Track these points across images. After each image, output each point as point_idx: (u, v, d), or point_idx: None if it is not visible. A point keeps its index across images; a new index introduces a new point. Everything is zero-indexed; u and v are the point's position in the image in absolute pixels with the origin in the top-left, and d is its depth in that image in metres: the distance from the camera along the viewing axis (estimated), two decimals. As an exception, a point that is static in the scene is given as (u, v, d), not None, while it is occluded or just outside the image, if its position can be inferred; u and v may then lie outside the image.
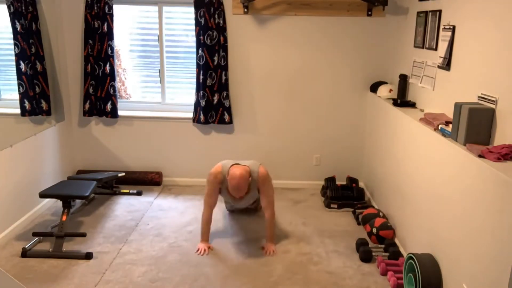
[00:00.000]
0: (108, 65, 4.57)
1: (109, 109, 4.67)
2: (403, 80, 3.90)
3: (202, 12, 4.40)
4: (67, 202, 3.57)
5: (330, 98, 4.69)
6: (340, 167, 4.88)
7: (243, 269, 3.29)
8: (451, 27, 3.06)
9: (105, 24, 4.48)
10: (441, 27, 3.25)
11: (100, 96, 4.66)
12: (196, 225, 3.93)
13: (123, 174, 4.65)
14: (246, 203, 3.72)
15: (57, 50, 4.45)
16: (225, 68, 4.53)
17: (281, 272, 3.26)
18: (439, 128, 2.89)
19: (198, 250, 3.50)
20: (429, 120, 3.08)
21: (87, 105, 4.68)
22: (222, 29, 4.45)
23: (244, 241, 3.70)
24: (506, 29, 2.41)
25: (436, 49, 3.34)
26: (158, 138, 4.84)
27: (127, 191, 4.61)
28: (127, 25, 4.73)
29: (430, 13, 3.46)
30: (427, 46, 3.52)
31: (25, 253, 3.38)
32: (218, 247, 3.60)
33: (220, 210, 4.21)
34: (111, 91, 4.64)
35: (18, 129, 3.82)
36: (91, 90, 4.65)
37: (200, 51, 4.49)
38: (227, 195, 3.61)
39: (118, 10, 4.65)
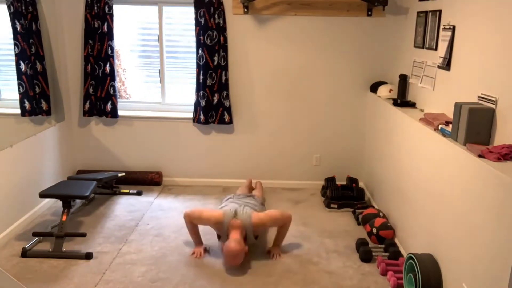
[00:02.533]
0: (108, 65, 4.57)
1: (109, 109, 4.67)
2: (403, 80, 3.90)
3: (202, 12, 4.40)
4: (67, 202, 3.57)
5: (330, 98, 4.69)
6: (340, 167, 4.88)
7: (243, 269, 3.29)
8: (451, 27, 3.06)
9: (105, 24, 4.48)
10: (441, 27, 3.25)
11: (100, 96, 4.66)
12: (196, 225, 3.93)
13: (123, 174, 4.65)
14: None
15: (57, 50, 4.45)
16: (225, 68, 4.53)
17: (281, 272, 3.26)
18: (439, 128, 2.89)
19: (193, 253, 3.47)
20: (429, 120, 3.08)
21: (87, 105, 4.68)
22: (222, 29, 4.45)
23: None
24: (506, 29, 2.41)
25: (436, 49, 3.34)
26: (158, 138, 4.84)
27: (127, 191, 4.61)
28: (127, 25, 4.73)
29: (430, 13, 3.46)
30: (427, 46, 3.52)
31: (25, 253, 3.38)
32: (218, 247, 3.60)
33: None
34: (111, 91, 4.64)
35: (18, 129, 3.82)
36: (91, 90, 4.65)
37: (200, 51, 4.49)
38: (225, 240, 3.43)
39: (118, 10, 4.65)
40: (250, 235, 3.37)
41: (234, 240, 3.21)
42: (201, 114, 4.62)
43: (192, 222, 3.47)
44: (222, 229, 3.36)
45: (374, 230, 3.63)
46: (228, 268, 3.29)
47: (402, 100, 3.87)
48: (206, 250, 3.52)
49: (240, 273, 3.23)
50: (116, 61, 4.71)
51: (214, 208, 3.72)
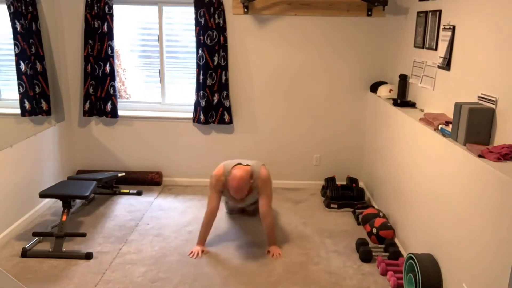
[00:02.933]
0: (108, 65, 4.57)
1: (109, 109, 4.67)
2: (403, 80, 3.90)
3: (202, 12, 4.40)
4: (67, 202, 3.57)
5: (330, 98, 4.69)
6: (340, 167, 4.88)
7: (243, 269, 3.29)
8: (451, 27, 3.06)
9: (105, 24, 4.48)
10: (441, 27, 3.25)
11: (100, 96, 4.66)
12: (196, 225, 3.92)
13: (123, 174, 4.65)
14: (246, 203, 3.72)
15: (57, 50, 4.45)
16: (225, 68, 4.53)
17: (281, 272, 3.26)
18: (439, 128, 2.89)
19: (191, 253, 3.46)
20: (429, 120, 3.08)
21: (87, 105, 4.68)
22: (222, 29, 4.45)
23: (244, 242, 3.70)
24: (506, 29, 2.41)
25: (436, 49, 3.34)
26: (158, 138, 4.84)
27: (127, 191, 4.61)
28: (127, 25, 4.73)
29: (430, 13, 3.46)
30: (427, 46, 3.52)
31: (25, 253, 3.38)
32: (218, 247, 3.60)
33: (219, 211, 4.21)
34: (111, 91, 4.64)
35: (18, 129, 3.82)
36: (91, 90, 4.65)
37: (200, 51, 4.49)
38: (228, 195, 3.61)
39: (118, 10, 4.65)
40: (256, 186, 3.48)
41: (239, 168, 3.36)
42: (201, 114, 4.62)
43: (214, 210, 3.49)
44: (225, 183, 3.47)
45: (374, 230, 3.63)
46: (234, 200, 3.55)
47: (402, 100, 3.87)
48: (203, 252, 3.50)
49: (240, 273, 3.23)
50: (116, 61, 4.71)
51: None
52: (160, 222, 4.02)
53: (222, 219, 4.09)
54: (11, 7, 3.68)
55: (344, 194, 4.36)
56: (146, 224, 3.97)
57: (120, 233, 3.79)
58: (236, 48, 4.58)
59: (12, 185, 3.72)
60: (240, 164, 3.50)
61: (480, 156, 2.32)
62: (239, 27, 4.52)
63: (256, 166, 3.52)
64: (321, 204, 4.48)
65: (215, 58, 4.50)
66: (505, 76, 2.41)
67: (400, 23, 4.27)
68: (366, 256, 3.39)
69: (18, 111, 3.86)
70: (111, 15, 4.47)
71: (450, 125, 2.77)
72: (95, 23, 4.48)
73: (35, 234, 3.55)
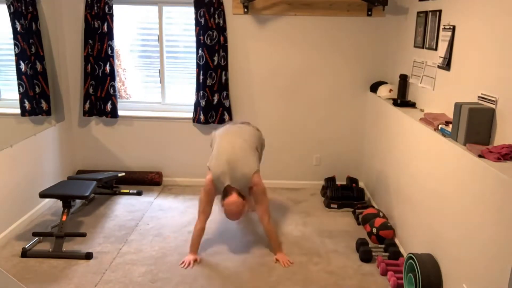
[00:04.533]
0: (108, 65, 4.57)
1: (109, 109, 4.67)
2: (403, 80, 3.90)
3: (202, 12, 4.40)
4: (67, 202, 3.57)
5: (330, 98, 4.69)
6: (340, 167, 4.88)
7: (243, 269, 3.29)
8: (451, 27, 3.06)
9: (105, 24, 4.48)
10: (441, 27, 3.25)
11: (100, 96, 4.66)
12: (196, 225, 3.93)
13: (123, 174, 4.65)
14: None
15: (57, 50, 4.45)
16: (225, 68, 4.53)
17: (281, 272, 3.26)
18: (439, 128, 2.89)
19: (183, 263, 3.32)
20: (429, 120, 3.08)
21: (87, 105, 4.68)
22: (222, 29, 4.45)
23: (244, 242, 3.70)
24: (506, 29, 2.41)
25: (436, 49, 3.34)
26: (158, 138, 4.84)
27: (127, 191, 4.61)
28: (127, 25, 4.73)
29: (430, 13, 3.46)
30: (427, 46, 3.52)
31: (25, 253, 3.38)
32: (218, 247, 3.60)
33: (219, 211, 4.21)
34: (111, 91, 4.64)
35: (18, 129, 3.82)
36: (91, 90, 4.66)
37: (200, 51, 4.49)
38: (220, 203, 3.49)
39: (118, 10, 4.64)
40: (246, 191, 3.41)
41: (234, 202, 3.24)
42: (201, 114, 4.62)
43: (206, 217, 3.42)
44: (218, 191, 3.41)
45: (374, 230, 3.63)
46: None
47: (402, 100, 3.87)
48: (196, 262, 3.36)
49: (240, 273, 3.23)
50: (116, 61, 4.71)
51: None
52: (160, 222, 4.02)
53: (222, 219, 4.08)
54: (11, 7, 3.68)
55: (344, 194, 4.36)
56: (146, 224, 3.97)
57: (120, 233, 3.79)
58: (236, 48, 4.58)
59: (12, 185, 3.72)
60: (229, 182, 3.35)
61: (480, 156, 2.32)
62: (239, 27, 4.52)
63: (249, 170, 3.35)
64: (321, 204, 4.48)
65: (215, 58, 4.50)
66: (505, 76, 2.41)
67: (400, 23, 4.27)
68: (366, 256, 3.39)
69: (18, 111, 3.86)
70: (111, 15, 4.47)
71: (450, 125, 2.77)
72: (95, 23, 4.48)
73: (35, 234, 3.55)
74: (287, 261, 3.37)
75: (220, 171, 3.34)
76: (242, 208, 3.29)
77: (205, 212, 3.42)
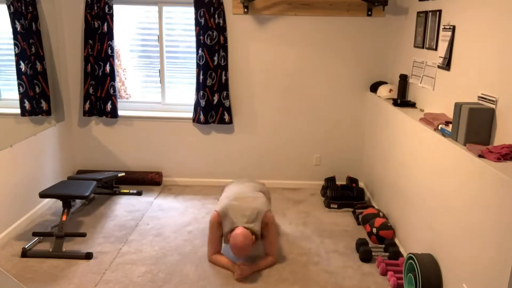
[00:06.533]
0: (108, 65, 4.57)
1: (109, 109, 4.67)
2: (403, 80, 3.90)
3: (202, 12, 4.40)
4: (67, 202, 3.57)
5: (330, 98, 4.69)
6: (340, 167, 4.88)
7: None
8: (451, 27, 3.06)
9: (105, 24, 4.48)
10: (441, 27, 3.25)
11: (100, 96, 4.66)
12: (196, 225, 3.93)
13: (123, 174, 4.65)
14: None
15: (57, 50, 4.45)
16: (225, 68, 4.53)
17: (281, 272, 3.26)
18: (439, 128, 2.89)
19: (239, 277, 3.13)
20: (429, 120, 3.08)
21: (87, 105, 4.68)
22: (222, 29, 4.45)
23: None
24: (506, 29, 2.41)
25: (436, 49, 3.34)
26: (158, 138, 4.84)
27: (127, 191, 4.61)
28: (127, 25, 4.73)
29: (430, 13, 3.46)
30: (427, 46, 3.52)
31: (25, 253, 3.38)
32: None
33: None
34: (111, 91, 4.64)
35: (18, 129, 3.82)
36: (91, 90, 4.65)
37: (200, 51, 4.49)
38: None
39: (118, 10, 4.65)
40: (259, 227, 3.20)
41: (241, 233, 3.07)
42: (201, 114, 4.62)
43: (217, 251, 3.34)
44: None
45: (374, 230, 3.63)
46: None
47: (402, 100, 3.87)
48: (239, 265, 3.17)
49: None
50: (116, 61, 4.72)
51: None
52: (160, 222, 4.02)
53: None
54: (11, 7, 3.68)
55: (344, 194, 4.36)
56: (146, 224, 3.97)
57: (120, 233, 3.79)
58: (236, 48, 4.58)
59: (12, 185, 3.72)
60: (240, 200, 3.25)
61: (480, 156, 2.32)
62: (239, 27, 4.52)
63: (262, 206, 3.24)
64: (321, 204, 4.48)
65: (215, 58, 4.50)
66: (505, 76, 2.41)
67: (400, 23, 4.27)
68: (366, 256, 3.39)
69: (18, 111, 3.86)
70: (111, 15, 4.47)
71: (450, 125, 2.77)
72: (95, 23, 4.49)
73: (35, 234, 3.55)
74: (240, 276, 3.14)
75: (228, 205, 3.25)
76: (249, 242, 3.07)
77: (212, 248, 3.33)
